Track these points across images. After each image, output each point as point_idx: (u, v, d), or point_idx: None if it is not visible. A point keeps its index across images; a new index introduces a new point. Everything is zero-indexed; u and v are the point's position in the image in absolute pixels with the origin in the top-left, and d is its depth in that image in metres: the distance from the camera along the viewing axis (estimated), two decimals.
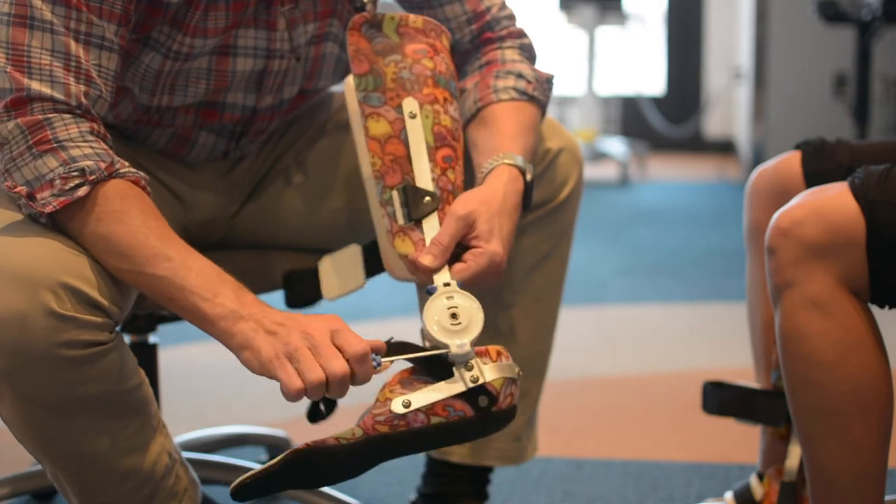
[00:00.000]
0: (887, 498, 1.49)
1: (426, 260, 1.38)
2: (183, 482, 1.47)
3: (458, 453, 1.79)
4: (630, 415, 2.58)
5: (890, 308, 1.44)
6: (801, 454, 1.49)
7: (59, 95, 1.32)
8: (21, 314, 1.25)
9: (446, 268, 1.38)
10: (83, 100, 1.34)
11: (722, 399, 1.80)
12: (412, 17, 1.52)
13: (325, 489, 1.83)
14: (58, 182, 1.30)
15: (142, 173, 1.36)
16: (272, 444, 2.17)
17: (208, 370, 2.85)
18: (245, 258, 1.74)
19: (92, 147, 1.33)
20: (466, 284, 1.38)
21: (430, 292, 1.36)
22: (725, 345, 3.14)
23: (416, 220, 1.41)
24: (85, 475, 1.38)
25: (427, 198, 1.41)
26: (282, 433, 2.19)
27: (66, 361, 1.27)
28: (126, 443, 1.38)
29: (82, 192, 1.30)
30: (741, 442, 2.31)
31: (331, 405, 1.43)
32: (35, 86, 1.32)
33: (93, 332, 1.29)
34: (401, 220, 1.41)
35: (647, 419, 2.55)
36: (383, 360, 1.30)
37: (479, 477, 1.82)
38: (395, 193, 1.41)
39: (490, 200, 1.42)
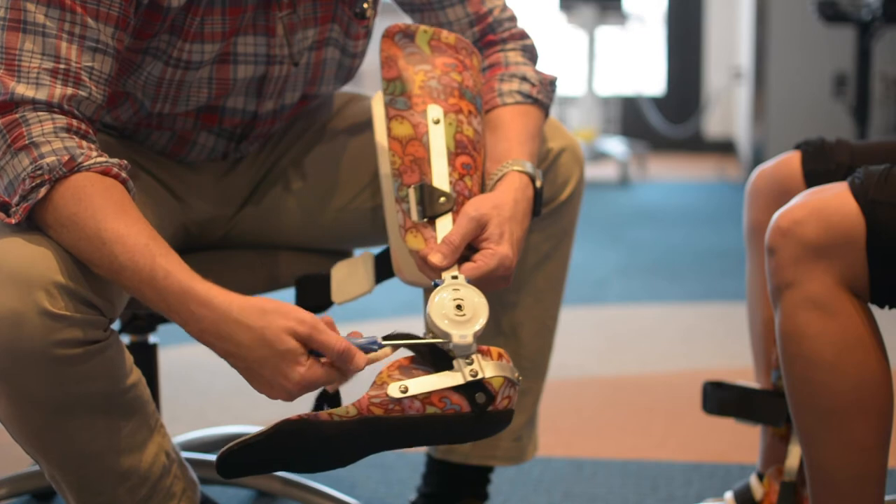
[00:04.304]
0: (887, 498, 1.49)
1: (435, 258, 1.37)
2: (181, 482, 1.47)
3: (458, 453, 1.79)
4: (630, 415, 2.59)
5: (890, 308, 1.44)
6: (801, 454, 1.49)
7: (41, 97, 1.32)
8: (16, 313, 1.25)
9: (455, 266, 1.38)
10: (65, 103, 1.33)
11: (722, 399, 1.80)
12: (445, 32, 1.54)
13: (325, 489, 1.83)
14: (27, 181, 1.29)
15: (115, 160, 1.33)
16: None
17: (208, 370, 2.85)
18: (246, 258, 1.75)
19: (62, 142, 1.31)
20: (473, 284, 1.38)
21: (437, 285, 1.36)
22: (725, 345, 3.13)
23: (429, 219, 1.41)
24: (82, 475, 1.38)
25: (442, 198, 1.41)
26: None
27: (62, 360, 1.27)
28: (123, 442, 1.38)
29: (42, 192, 1.29)
30: (741, 442, 2.31)
31: (335, 405, 1.41)
32: (20, 89, 1.31)
33: (87, 330, 1.29)
34: (415, 217, 1.41)
35: (647, 419, 2.55)
36: (384, 343, 1.29)
37: (479, 477, 1.82)
38: (411, 191, 1.42)
39: (502, 205, 1.42)
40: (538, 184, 1.48)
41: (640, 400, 2.68)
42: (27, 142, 1.30)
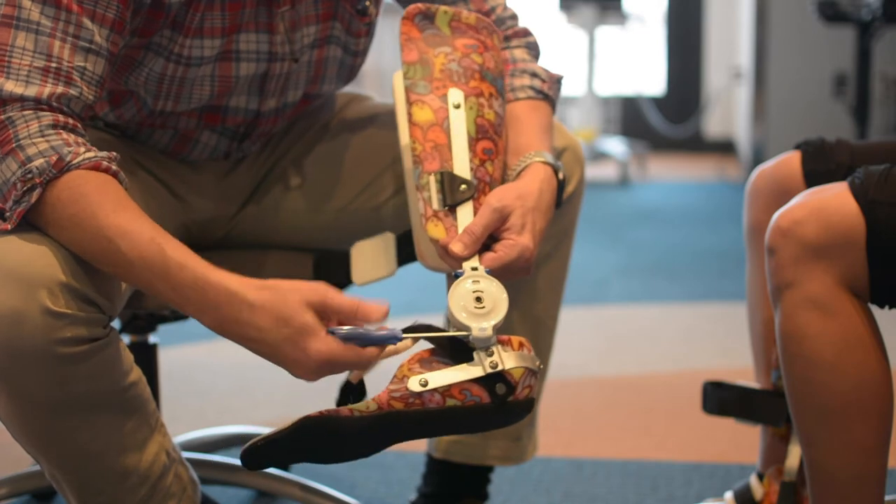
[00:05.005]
0: (887, 498, 1.49)
1: (457, 248, 1.37)
2: (182, 481, 1.47)
3: (458, 453, 1.79)
4: (630, 415, 2.59)
5: (890, 308, 1.44)
6: (801, 454, 1.49)
7: (29, 95, 1.31)
8: (17, 312, 1.25)
9: (476, 256, 1.38)
10: (54, 100, 1.32)
11: (722, 399, 1.80)
12: (465, 12, 1.53)
13: (326, 489, 1.83)
14: (18, 185, 1.29)
15: (104, 153, 1.32)
16: None
17: (208, 370, 2.85)
18: (246, 258, 1.74)
19: (48, 141, 1.30)
20: (493, 275, 1.38)
21: (457, 276, 1.35)
22: (725, 345, 3.14)
23: (450, 207, 1.40)
24: (82, 474, 1.38)
25: (463, 185, 1.41)
26: None
27: (62, 358, 1.27)
28: (123, 441, 1.38)
29: (34, 196, 1.28)
30: (741, 442, 2.31)
31: (360, 394, 1.40)
32: (9, 86, 1.31)
33: (88, 327, 1.29)
34: (435, 205, 1.40)
35: (647, 419, 2.55)
36: (404, 335, 1.29)
37: (479, 477, 1.82)
38: (432, 178, 1.41)
39: (526, 195, 1.41)
40: (561, 176, 1.48)
41: (640, 400, 2.68)
42: (14, 145, 1.30)
